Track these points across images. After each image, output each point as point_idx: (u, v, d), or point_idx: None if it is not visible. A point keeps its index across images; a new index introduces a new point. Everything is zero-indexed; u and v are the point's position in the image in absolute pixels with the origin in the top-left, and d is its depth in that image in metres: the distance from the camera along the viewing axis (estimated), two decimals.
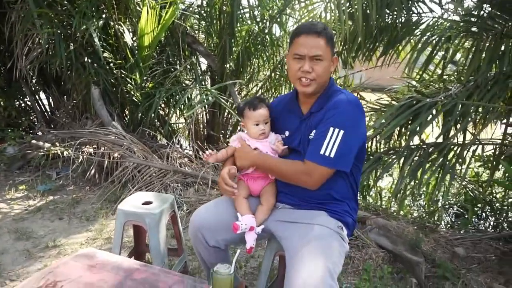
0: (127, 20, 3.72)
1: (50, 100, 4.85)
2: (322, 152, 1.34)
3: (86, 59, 3.45)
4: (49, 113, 4.92)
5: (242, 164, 1.51)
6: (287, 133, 1.55)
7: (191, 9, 3.90)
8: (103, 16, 3.37)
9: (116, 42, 3.54)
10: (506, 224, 3.43)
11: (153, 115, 3.37)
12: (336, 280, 1.25)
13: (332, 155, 1.33)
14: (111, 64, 3.54)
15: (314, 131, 1.42)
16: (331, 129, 1.34)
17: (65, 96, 4.61)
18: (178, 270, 2.07)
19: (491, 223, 3.69)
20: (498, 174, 3.64)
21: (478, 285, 2.16)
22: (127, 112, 4.06)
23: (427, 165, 3.01)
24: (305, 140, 1.46)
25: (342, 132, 1.33)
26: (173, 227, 2.11)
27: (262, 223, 1.48)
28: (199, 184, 3.18)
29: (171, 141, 3.37)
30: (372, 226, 2.71)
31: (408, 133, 3.08)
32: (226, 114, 4.51)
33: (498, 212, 3.73)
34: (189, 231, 1.58)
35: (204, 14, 3.96)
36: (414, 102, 3.08)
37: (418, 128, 2.93)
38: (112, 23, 3.43)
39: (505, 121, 3.10)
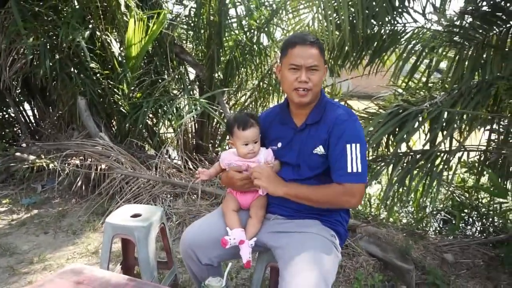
0: (113, 31, 3.70)
1: (35, 111, 4.76)
2: (350, 170, 1.34)
3: (72, 70, 3.41)
4: (34, 124, 4.82)
5: (272, 193, 1.42)
6: (279, 145, 1.54)
7: (178, 19, 3.91)
8: (90, 26, 3.35)
9: (103, 52, 3.51)
10: (492, 229, 3.49)
11: (141, 126, 3.33)
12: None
13: (359, 170, 1.35)
14: (98, 75, 3.50)
15: (320, 146, 1.43)
16: (348, 146, 1.36)
17: (50, 107, 4.53)
18: (168, 283, 2.03)
19: (478, 228, 3.74)
20: (483, 180, 3.71)
21: None
22: (114, 123, 4.01)
23: (415, 172, 3.06)
24: (305, 153, 1.45)
25: (358, 145, 1.36)
26: (162, 239, 2.08)
27: (255, 236, 1.46)
28: (188, 194, 3.15)
29: (160, 151, 3.34)
30: (362, 234, 2.72)
31: (396, 141, 3.12)
32: (214, 123, 4.50)
33: (484, 217, 3.79)
34: (181, 250, 1.54)
35: (192, 24, 3.96)
36: (401, 110, 3.13)
37: (405, 136, 2.98)
38: (98, 33, 3.40)
39: (488, 127, 3.17)
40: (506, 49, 2.85)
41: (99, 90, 3.55)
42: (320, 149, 1.43)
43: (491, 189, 3.12)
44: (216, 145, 4.50)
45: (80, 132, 3.82)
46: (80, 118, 3.67)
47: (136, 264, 2.20)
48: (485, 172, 3.24)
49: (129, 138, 3.59)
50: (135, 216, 1.94)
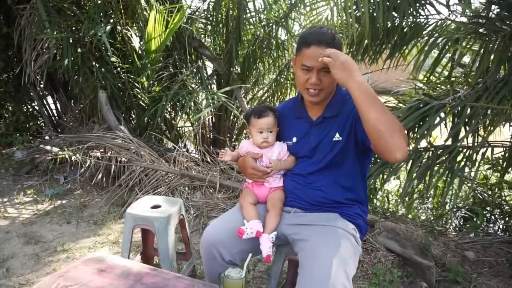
0: (134, 25, 3.75)
1: (58, 104, 4.89)
2: None
3: (93, 64, 3.48)
4: (57, 117, 4.96)
5: (343, 83, 1.24)
6: (294, 139, 1.54)
7: (197, 13, 3.92)
8: (111, 21, 3.40)
9: (123, 46, 3.56)
10: None
11: (159, 119, 3.38)
12: (351, 282, 1.24)
13: None
14: (118, 69, 3.56)
15: (337, 133, 1.43)
16: None
17: (72, 101, 4.64)
18: (187, 274, 2.06)
19: (501, 226, 3.65)
20: (507, 177, 3.60)
21: None
22: (133, 116, 4.08)
23: (435, 168, 2.99)
24: (326, 143, 1.45)
25: None
26: (181, 230, 2.11)
27: (274, 229, 1.46)
28: (206, 187, 3.18)
29: (178, 145, 3.38)
30: (380, 230, 2.69)
31: (417, 136, 3.06)
32: (232, 117, 4.52)
33: (507, 215, 3.69)
34: (203, 250, 1.51)
35: (211, 18, 3.97)
36: (421, 105, 3.06)
37: (426, 131, 2.92)
38: (119, 28, 3.45)
39: None
40: None
41: (119, 84, 3.60)
42: (337, 136, 1.43)
43: None
44: (233, 139, 4.51)
45: (100, 125, 3.90)
46: (100, 112, 3.75)
47: (155, 255, 2.24)
48: (510, 169, 3.14)
49: (148, 131, 3.64)
50: (154, 207, 1.98)
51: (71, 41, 3.34)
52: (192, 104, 3.29)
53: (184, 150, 3.77)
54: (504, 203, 3.85)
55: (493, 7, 2.82)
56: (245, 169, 1.59)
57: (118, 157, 3.34)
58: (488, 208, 3.82)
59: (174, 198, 2.11)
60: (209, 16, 3.98)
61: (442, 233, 3.02)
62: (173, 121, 4.04)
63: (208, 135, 4.15)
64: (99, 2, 3.27)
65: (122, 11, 3.36)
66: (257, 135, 1.54)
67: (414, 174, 3.09)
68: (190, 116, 3.58)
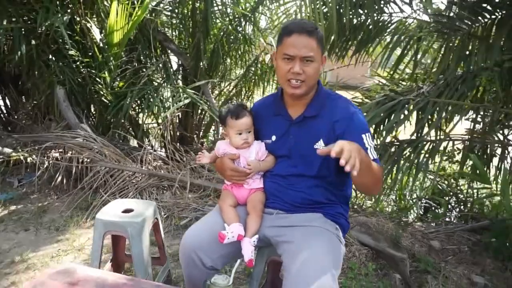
0: (93, 16, 3.52)
1: (7, 100, 4.50)
2: (372, 158, 1.31)
3: (50, 57, 3.22)
4: (6, 114, 4.57)
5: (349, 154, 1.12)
6: (273, 138, 1.50)
7: (161, 5, 3.76)
8: (68, 11, 3.16)
9: (83, 39, 3.33)
10: (470, 214, 3.61)
11: (125, 116, 3.20)
12: (337, 282, 1.23)
13: (377, 156, 1.38)
14: (78, 63, 3.33)
15: (321, 140, 1.40)
16: (363, 136, 1.34)
17: (23, 97, 4.29)
18: (162, 279, 1.98)
19: (457, 214, 3.87)
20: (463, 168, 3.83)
21: (457, 277, 2.24)
22: (94, 114, 3.85)
23: (401, 162, 3.11)
24: (304, 147, 1.42)
25: (369, 134, 1.37)
26: (155, 234, 2.01)
27: (256, 232, 1.42)
28: (176, 187, 3.07)
29: (145, 143, 3.23)
30: (353, 224, 2.74)
31: (384, 130, 3.15)
32: (199, 114, 4.41)
33: (462, 203, 3.94)
34: (182, 256, 1.43)
35: (176, 11, 3.82)
36: (387, 101, 3.16)
37: (394, 125, 3.01)
38: (78, 19, 3.22)
39: (473, 117, 3.26)
40: (491, 41, 2.90)
41: (78, 79, 3.37)
42: (321, 143, 1.40)
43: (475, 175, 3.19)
44: (201, 136, 4.41)
45: (58, 123, 3.64)
46: (58, 109, 3.50)
47: (126, 261, 2.13)
48: (469, 160, 3.33)
49: (112, 129, 3.44)
50: (126, 211, 1.87)
51: (23, 32, 3.07)
52: (160, 100, 3.15)
53: (151, 149, 3.62)
54: (459, 192, 4.11)
55: (453, 7, 2.96)
56: (223, 170, 1.53)
57: (80, 157, 3.14)
58: (446, 198, 4.06)
59: (147, 201, 2.00)
60: (174, 8, 3.83)
61: (408, 224, 3.15)
62: (138, 119, 3.86)
63: (175, 133, 4.02)
64: None
65: (81, 0, 3.13)
66: (236, 137, 1.48)
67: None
68: (157, 113, 3.43)
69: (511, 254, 2.48)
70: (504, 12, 2.77)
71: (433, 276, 2.21)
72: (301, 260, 1.24)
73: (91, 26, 3.25)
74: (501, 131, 3.26)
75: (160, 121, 3.74)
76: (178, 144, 3.72)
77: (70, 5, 3.20)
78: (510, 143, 3.19)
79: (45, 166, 3.16)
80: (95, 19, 3.51)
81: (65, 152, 3.29)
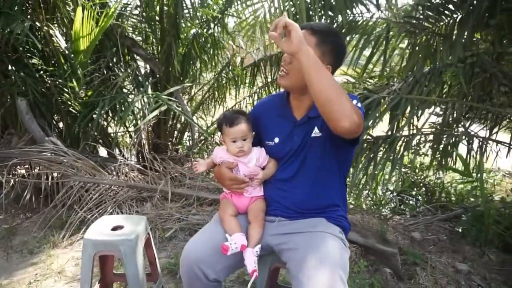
0: (54, 22, 3.30)
1: None
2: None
3: (9, 67, 2.98)
4: None
5: (290, 51, 1.20)
6: (276, 140, 1.48)
7: (129, 9, 3.61)
8: (28, 17, 2.94)
9: (45, 47, 3.11)
10: (439, 204, 3.80)
11: (97, 126, 3.04)
12: (346, 284, 1.23)
13: (360, 105, 1.35)
14: (41, 72, 3.11)
15: (316, 127, 1.41)
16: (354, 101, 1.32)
17: None
18: None
19: (426, 206, 4.06)
20: (426, 160, 4.04)
21: (443, 266, 2.34)
22: (61, 126, 3.62)
23: (378, 158, 3.21)
24: (307, 140, 1.42)
25: (358, 103, 1.36)
26: (146, 251, 1.91)
27: (258, 242, 1.40)
28: (156, 198, 2.96)
29: (120, 154, 3.09)
30: None
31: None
32: (171, 120, 4.29)
33: (430, 193, 4.16)
34: (183, 270, 1.38)
35: (144, 14, 3.68)
36: (362, 99, 3.25)
37: (371, 123, 3.10)
38: (39, 25, 3.00)
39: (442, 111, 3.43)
40: (453, 38, 3.06)
41: (42, 89, 3.15)
42: (316, 131, 1.42)
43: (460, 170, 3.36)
44: (175, 143, 4.30)
45: (20, 137, 3.39)
46: (19, 122, 3.25)
47: (115, 280, 2.02)
48: (438, 153, 3.49)
49: (83, 141, 3.25)
50: (115, 228, 1.77)
51: None
52: (136, 108, 3.02)
53: (123, 159, 3.46)
54: (427, 183, 4.33)
55: (419, 7, 3.10)
56: (222, 180, 1.50)
57: (49, 173, 2.94)
58: (416, 189, 4.27)
59: (137, 216, 1.91)
60: (141, 12, 3.69)
61: (389, 218, 3.25)
62: (109, 128, 3.68)
63: (150, 141, 3.88)
64: None
65: (42, 5, 2.93)
66: (231, 145, 1.45)
67: (360, 165, 3.29)
68: (132, 122, 3.29)
69: (487, 240, 2.63)
70: (464, 11, 2.94)
71: (421, 267, 2.29)
72: (309, 267, 1.23)
73: (54, 33, 3.05)
74: (467, 123, 3.46)
75: (133, 129, 3.60)
76: (152, 152, 3.59)
77: (29, 10, 2.98)
78: (476, 135, 3.39)
79: (10, 184, 2.92)
80: (56, 25, 3.29)
81: (31, 168, 3.07)
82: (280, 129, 1.48)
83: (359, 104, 1.36)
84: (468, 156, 3.29)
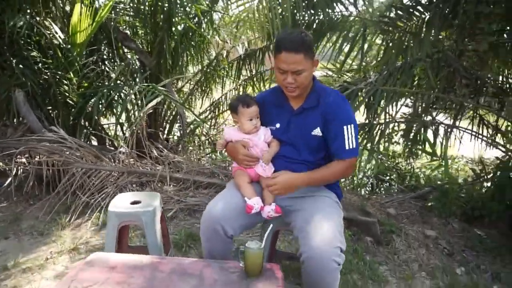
0: (50, 15, 3.41)
1: None
2: (347, 147, 1.60)
3: (10, 59, 3.07)
4: None
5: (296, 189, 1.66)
6: (277, 125, 1.75)
7: (122, 4, 3.75)
8: (28, 11, 3.04)
9: (45, 40, 3.22)
10: (410, 185, 4.22)
11: (97, 116, 3.19)
12: (343, 236, 1.54)
13: (354, 146, 1.62)
14: (40, 64, 3.22)
15: (318, 128, 1.66)
16: (345, 127, 1.60)
17: None
18: None
19: (400, 187, 4.47)
20: (398, 148, 4.46)
21: (415, 233, 2.71)
22: (58, 116, 3.72)
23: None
24: (304, 134, 1.68)
25: (352, 126, 1.62)
26: (160, 223, 2.14)
27: (274, 201, 1.69)
28: (156, 182, 3.16)
29: (117, 143, 3.25)
30: None
31: None
32: (162, 110, 4.46)
33: (401, 177, 4.58)
34: (205, 227, 1.61)
35: (136, 9, 3.82)
36: (341, 90, 3.57)
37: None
38: (38, 19, 3.11)
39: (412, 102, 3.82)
40: (422, 36, 3.44)
41: (40, 81, 3.26)
42: (318, 131, 1.67)
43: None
44: (166, 132, 4.48)
45: (16, 128, 3.48)
46: (13, 113, 3.34)
47: (130, 252, 2.23)
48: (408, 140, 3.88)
49: (79, 130, 3.39)
50: (134, 203, 1.99)
51: None
52: (133, 98, 3.19)
53: (125, 147, 3.61)
54: (399, 169, 4.75)
55: (392, 8, 3.45)
56: (236, 154, 1.74)
57: (51, 161, 3.07)
58: (389, 174, 4.68)
59: (151, 192, 2.13)
60: (134, 6, 3.83)
61: (367, 198, 3.61)
62: (105, 119, 3.82)
63: (146, 130, 4.04)
64: None
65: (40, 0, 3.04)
66: (247, 123, 1.71)
67: None
68: (130, 112, 3.45)
69: (451, 212, 3.03)
70: (431, 12, 3.31)
71: (397, 234, 2.64)
72: (315, 221, 1.53)
73: (52, 27, 3.16)
74: (434, 113, 3.87)
75: (127, 120, 3.76)
76: (147, 140, 3.77)
77: (27, 5, 3.08)
78: (442, 123, 3.80)
79: (13, 173, 3.04)
80: (51, 19, 3.39)
81: (31, 157, 3.19)
82: (280, 116, 1.74)
83: (347, 108, 1.69)
84: (435, 141, 3.70)
